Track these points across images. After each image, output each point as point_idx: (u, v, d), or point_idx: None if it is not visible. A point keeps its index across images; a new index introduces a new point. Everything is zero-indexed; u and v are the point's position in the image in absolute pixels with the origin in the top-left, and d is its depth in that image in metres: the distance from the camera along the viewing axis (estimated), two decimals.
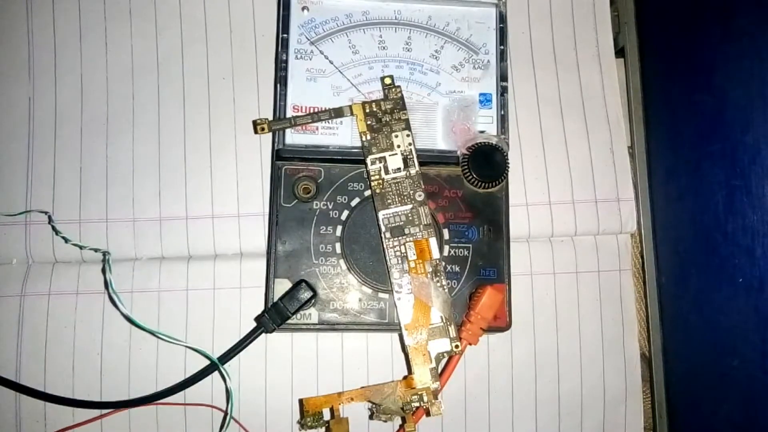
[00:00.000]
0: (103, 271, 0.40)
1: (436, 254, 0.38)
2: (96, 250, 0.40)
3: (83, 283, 0.41)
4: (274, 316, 0.38)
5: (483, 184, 0.40)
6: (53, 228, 0.40)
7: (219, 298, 0.41)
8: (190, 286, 0.41)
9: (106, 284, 0.39)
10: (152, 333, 0.37)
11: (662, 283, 0.43)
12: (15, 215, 0.41)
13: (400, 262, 0.38)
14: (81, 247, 0.40)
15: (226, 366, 0.38)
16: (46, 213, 0.41)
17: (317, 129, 0.40)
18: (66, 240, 0.40)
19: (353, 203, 0.40)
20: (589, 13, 0.46)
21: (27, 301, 0.40)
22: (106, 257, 0.38)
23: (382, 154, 0.39)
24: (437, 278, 0.38)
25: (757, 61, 0.34)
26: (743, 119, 0.34)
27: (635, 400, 0.43)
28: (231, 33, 0.44)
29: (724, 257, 0.36)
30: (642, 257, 0.45)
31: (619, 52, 0.47)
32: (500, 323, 0.39)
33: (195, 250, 0.41)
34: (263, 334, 0.38)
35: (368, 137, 0.39)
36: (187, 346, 0.39)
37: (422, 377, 0.37)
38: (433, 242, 0.38)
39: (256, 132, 0.39)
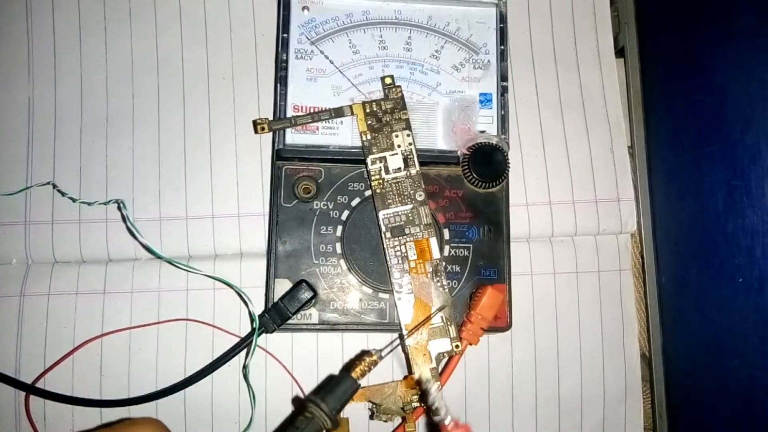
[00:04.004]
0: (124, 219, 0.40)
1: (436, 254, 0.38)
2: (106, 203, 0.40)
3: (83, 283, 0.41)
4: (275, 316, 0.38)
5: (483, 184, 0.40)
6: (59, 192, 0.41)
7: (219, 298, 0.41)
8: (190, 286, 0.41)
9: (124, 219, 0.40)
10: (175, 265, 0.39)
11: (662, 283, 0.43)
12: (15, 193, 0.41)
13: (400, 262, 0.38)
14: (89, 204, 0.40)
15: (225, 367, 0.38)
16: (49, 182, 0.41)
17: (317, 129, 0.40)
18: (74, 200, 0.41)
19: (353, 203, 0.40)
20: (589, 13, 0.46)
21: (26, 301, 0.40)
22: (120, 204, 0.39)
23: (382, 154, 0.39)
24: (437, 278, 0.38)
25: (757, 61, 0.34)
26: (743, 119, 0.34)
27: (635, 399, 0.43)
28: (231, 33, 0.44)
29: (724, 257, 0.36)
30: (642, 257, 0.45)
31: (619, 52, 0.47)
32: (501, 323, 0.39)
33: (195, 250, 0.41)
34: (263, 334, 0.38)
35: (368, 137, 0.39)
36: (213, 277, 0.39)
37: (422, 377, 0.37)
38: (434, 242, 0.38)
39: (256, 132, 0.39)
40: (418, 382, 0.35)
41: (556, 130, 0.45)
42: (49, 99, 0.42)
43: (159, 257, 0.39)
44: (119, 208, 0.40)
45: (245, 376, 0.38)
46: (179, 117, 0.43)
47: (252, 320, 0.37)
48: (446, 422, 0.30)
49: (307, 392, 0.40)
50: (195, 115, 0.43)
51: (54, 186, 0.41)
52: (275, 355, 0.41)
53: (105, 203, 0.41)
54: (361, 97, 0.40)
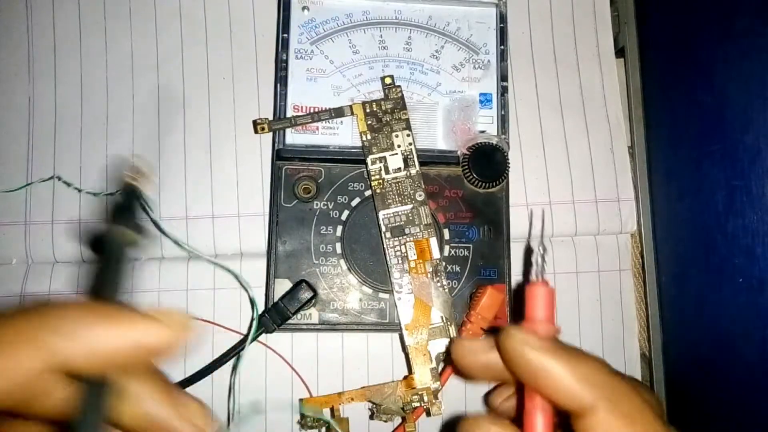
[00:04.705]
0: (145, 212, 0.40)
1: (436, 254, 0.38)
2: (113, 194, 0.40)
3: (83, 283, 0.41)
4: (275, 316, 0.38)
5: (483, 184, 0.40)
6: (65, 183, 0.41)
7: (219, 298, 0.41)
8: (190, 286, 0.41)
9: (146, 212, 0.40)
10: (203, 258, 0.39)
11: (662, 283, 0.43)
12: (16, 189, 0.41)
13: (400, 262, 0.38)
14: (95, 195, 0.41)
15: (225, 367, 0.38)
16: (51, 178, 0.41)
17: (317, 129, 0.40)
18: (79, 190, 0.41)
19: (353, 203, 0.40)
20: (589, 13, 0.46)
21: (26, 301, 0.40)
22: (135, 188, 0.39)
23: (382, 154, 0.39)
24: (437, 278, 0.38)
25: (757, 61, 0.34)
26: (743, 119, 0.34)
27: None
28: (231, 33, 0.44)
29: (724, 257, 0.36)
30: (642, 257, 0.45)
31: (619, 52, 0.47)
32: (501, 323, 0.39)
33: (195, 250, 0.41)
34: (264, 334, 0.38)
35: (368, 137, 0.39)
36: (218, 264, 0.40)
37: (422, 377, 0.37)
38: (434, 242, 0.38)
39: (256, 132, 0.39)
40: (528, 249, 0.33)
41: (556, 130, 0.45)
42: (49, 99, 0.42)
43: (187, 251, 0.40)
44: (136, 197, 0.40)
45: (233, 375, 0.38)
46: (179, 117, 0.43)
47: (252, 320, 0.37)
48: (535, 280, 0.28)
49: (308, 390, 0.40)
50: (195, 115, 0.43)
51: (59, 178, 0.41)
52: (275, 355, 0.41)
53: (111, 194, 0.40)
54: (361, 97, 0.40)
